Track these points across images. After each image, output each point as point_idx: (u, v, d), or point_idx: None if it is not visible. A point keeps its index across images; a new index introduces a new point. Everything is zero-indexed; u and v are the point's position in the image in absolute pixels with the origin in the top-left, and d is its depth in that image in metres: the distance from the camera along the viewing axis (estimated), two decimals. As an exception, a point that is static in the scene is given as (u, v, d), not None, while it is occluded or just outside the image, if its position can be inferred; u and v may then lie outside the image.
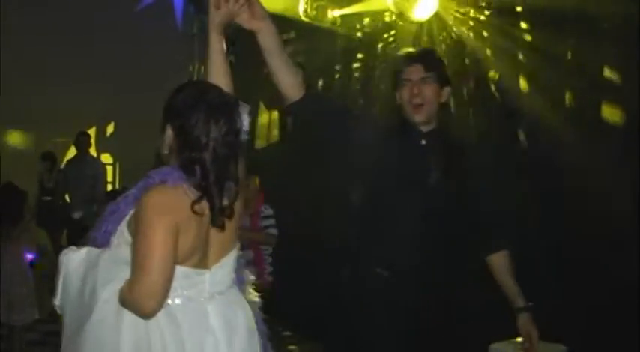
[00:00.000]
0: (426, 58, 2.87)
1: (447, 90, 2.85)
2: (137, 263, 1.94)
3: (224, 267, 2.17)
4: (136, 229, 1.98)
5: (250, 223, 5.47)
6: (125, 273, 1.98)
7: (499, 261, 2.86)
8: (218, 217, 2.06)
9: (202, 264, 2.09)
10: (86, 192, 8.08)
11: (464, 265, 2.87)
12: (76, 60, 9.90)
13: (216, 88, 2.21)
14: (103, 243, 2.09)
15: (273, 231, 5.53)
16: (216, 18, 2.40)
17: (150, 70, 9.76)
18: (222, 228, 2.08)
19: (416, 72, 2.78)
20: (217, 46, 2.41)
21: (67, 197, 8.52)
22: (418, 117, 2.78)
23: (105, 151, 10.52)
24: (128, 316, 1.98)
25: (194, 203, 1.99)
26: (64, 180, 8.41)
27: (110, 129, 11.35)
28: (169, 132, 2.10)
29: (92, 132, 9.47)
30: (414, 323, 2.70)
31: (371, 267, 2.78)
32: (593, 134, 4.29)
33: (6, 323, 5.18)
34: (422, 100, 2.76)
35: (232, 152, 2.11)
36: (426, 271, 2.71)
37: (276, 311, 5.93)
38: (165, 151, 2.12)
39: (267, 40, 2.57)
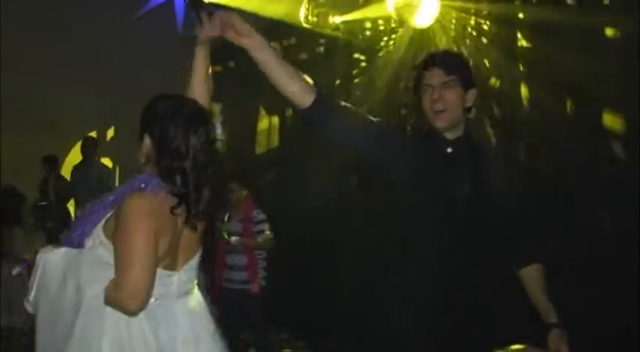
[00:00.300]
0: (447, 60, 2.69)
1: (472, 93, 2.67)
2: (122, 264, 2.04)
3: (190, 269, 2.29)
4: (118, 232, 2.07)
5: (243, 229, 5.48)
6: (109, 273, 2.08)
7: (531, 275, 2.73)
8: (193, 221, 2.18)
9: (172, 265, 2.21)
10: (93, 196, 8.07)
11: (493, 278, 2.71)
12: (77, 63, 9.90)
13: (191, 100, 2.34)
14: (78, 245, 2.17)
15: (268, 235, 5.52)
16: (201, 34, 2.52)
17: (151, 74, 9.75)
18: (194, 230, 2.21)
19: (436, 76, 2.62)
20: (201, 59, 2.54)
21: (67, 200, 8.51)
22: (440, 124, 2.61)
23: (105, 156, 10.52)
24: (111, 313, 2.08)
25: (173, 208, 2.12)
26: (71, 185, 8.39)
27: (110, 133, 11.34)
28: (147, 141, 2.21)
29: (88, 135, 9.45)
30: (441, 335, 2.57)
31: (394, 280, 2.62)
32: (594, 142, 4.30)
33: (6, 325, 5.18)
34: (443, 106, 2.59)
35: (210, 159, 2.23)
36: (453, 283, 2.57)
37: (273, 316, 5.98)
38: (142, 160, 2.23)
39: (259, 54, 2.49)
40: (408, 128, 2.88)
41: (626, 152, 4.17)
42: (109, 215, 2.14)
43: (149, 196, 2.10)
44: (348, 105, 2.65)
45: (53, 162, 8.74)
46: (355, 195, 6.24)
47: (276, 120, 7.79)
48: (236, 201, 5.50)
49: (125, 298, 2.03)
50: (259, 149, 8.04)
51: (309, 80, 2.58)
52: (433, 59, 2.69)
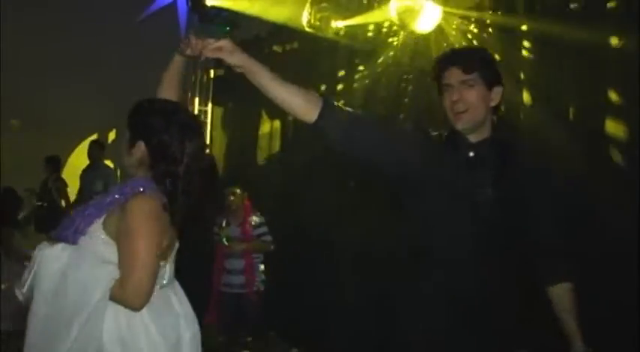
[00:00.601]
0: (465, 58, 2.50)
1: (497, 90, 2.48)
2: (128, 264, 2.17)
3: (172, 260, 2.40)
4: (125, 234, 2.18)
5: (241, 233, 5.49)
6: (112, 272, 2.19)
7: (560, 295, 2.50)
8: (178, 219, 2.31)
9: (164, 256, 2.31)
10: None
11: (513, 286, 2.53)
12: (79, 65, 9.91)
13: (183, 107, 2.48)
14: (73, 242, 2.23)
15: (268, 238, 5.54)
16: (184, 48, 2.50)
17: (152, 77, 9.74)
18: (179, 229, 2.36)
19: (455, 75, 2.45)
20: (176, 67, 2.63)
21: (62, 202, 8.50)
22: (460, 126, 2.45)
23: (107, 158, 10.53)
24: (111, 306, 2.18)
25: (165, 207, 2.26)
26: (79, 189, 8.38)
27: (112, 135, 11.36)
28: (142, 147, 2.31)
29: (93, 138, 9.46)
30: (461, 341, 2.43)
31: (411, 289, 2.51)
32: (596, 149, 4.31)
33: (6, 329, 5.16)
34: (464, 107, 2.43)
35: (201, 165, 2.38)
36: (475, 296, 2.43)
37: (274, 321, 5.97)
38: (135, 164, 2.33)
39: (255, 78, 2.40)
40: (430, 131, 2.63)
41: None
42: (106, 215, 2.23)
43: (151, 199, 2.22)
44: (358, 112, 2.57)
45: (55, 164, 8.73)
46: (357, 199, 6.24)
47: (277, 124, 7.79)
48: (236, 205, 5.51)
49: (130, 296, 2.16)
50: (261, 153, 8.03)
51: (313, 93, 2.48)
52: (450, 57, 2.53)
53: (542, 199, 2.53)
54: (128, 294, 2.15)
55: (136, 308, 2.18)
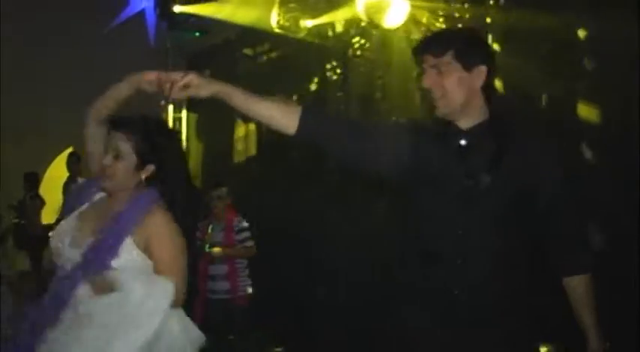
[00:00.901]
0: (435, 41, 2.38)
1: (478, 70, 2.30)
2: (171, 270, 2.38)
3: None
4: (160, 243, 2.39)
5: (224, 238, 5.43)
6: (160, 283, 2.36)
7: (576, 287, 2.35)
8: (185, 228, 2.52)
9: None
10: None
11: (527, 286, 2.37)
12: (55, 77, 9.87)
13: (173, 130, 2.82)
14: (106, 267, 2.33)
15: (250, 244, 5.46)
16: (147, 88, 2.45)
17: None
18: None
19: (427, 61, 2.32)
20: (127, 95, 2.56)
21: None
22: (439, 112, 2.31)
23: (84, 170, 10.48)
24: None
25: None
26: (63, 202, 8.29)
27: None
28: (151, 168, 2.46)
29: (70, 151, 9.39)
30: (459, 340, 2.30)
31: (407, 286, 2.41)
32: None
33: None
34: (439, 92, 2.29)
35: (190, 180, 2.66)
36: (483, 293, 2.29)
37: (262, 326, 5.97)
38: (135, 183, 2.46)
39: (230, 101, 2.30)
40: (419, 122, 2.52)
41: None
42: (137, 228, 2.39)
43: (167, 211, 2.45)
44: (340, 115, 2.52)
45: (33, 180, 8.66)
46: (335, 197, 6.26)
47: (252, 127, 7.78)
48: (219, 209, 5.46)
49: (179, 297, 2.37)
50: (237, 157, 8.02)
51: (291, 103, 2.50)
52: (421, 44, 2.42)
53: (552, 183, 2.35)
54: (177, 295, 2.35)
55: (179, 307, 2.39)
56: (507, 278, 2.31)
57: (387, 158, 2.37)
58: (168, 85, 2.26)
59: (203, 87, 2.27)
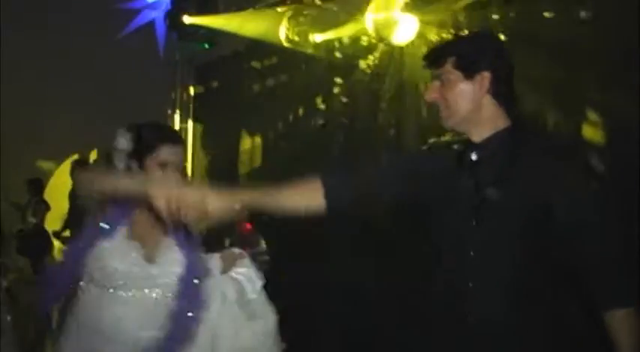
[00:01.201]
0: (434, 52, 2.23)
1: (482, 76, 2.10)
2: None
3: None
4: None
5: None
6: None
7: (617, 324, 1.99)
8: None
9: None
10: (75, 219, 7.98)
11: (546, 323, 2.07)
12: (60, 86, 9.91)
13: None
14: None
15: (265, 258, 5.38)
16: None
17: (132, 96, 9.76)
18: None
19: (432, 74, 2.20)
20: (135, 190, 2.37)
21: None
22: (446, 125, 2.18)
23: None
24: None
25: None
26: (69, 210, 8.30)
27: (93, 155, 11.29)
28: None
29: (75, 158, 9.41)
30: None
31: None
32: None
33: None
34: (443, 104, 2.15)
35: None
36: (486, 321, 2.07)
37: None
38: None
39: (251, 205, 2.24)
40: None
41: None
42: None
43: None
44: (361, 169, 2.34)
45: (37, 186, 8.66)
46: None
47: (258, 139, 7.79)
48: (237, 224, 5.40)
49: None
50: (242, 169, 8.02)
51: (309, 181, 2.27)
52: (424, 57, 2.27)
53: (575, 199, 2.05)
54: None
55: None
56: (527, 309, 2.06)
57: (418, 198, 2.24)
58: (182, 212, 2.05)
59: (217, 210, 2.12)
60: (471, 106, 2.12)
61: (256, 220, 5.61)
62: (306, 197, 2.23)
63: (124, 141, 2.50)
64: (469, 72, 2.11)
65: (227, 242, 5.35)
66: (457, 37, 2.37)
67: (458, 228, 2.12)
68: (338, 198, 2.21)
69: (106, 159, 2.64)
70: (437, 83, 2.17)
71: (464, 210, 2.10)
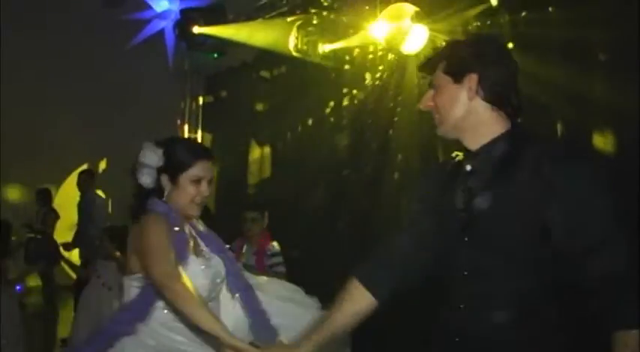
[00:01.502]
0: (427, 59, 2.16)
1: (469, 79, 2.00)
2: None
3: None
4: None
5: (255, 261, 5.23)
6: None
7: (624, 346, 1.78)
8: None
9: None
10: (84, 231, 8.00)
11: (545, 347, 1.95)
12: (70, 95, 9.95)
13: None
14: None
15: (281, 269, 5.23)
16: None
17: (142, 106, 9.80)
18: None
19: (428, 84, 2.14)
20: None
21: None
22: (439, 132, 2.09)
23: (97, 187, 10.51)
24: None
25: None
26: (78, 221, 8.31)
27: (103, 165, 11.32)
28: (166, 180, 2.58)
29: (84, 168, 9.43)
30: None
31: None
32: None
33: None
34: (434, 111, 2.08)
35: None
36: (478, 345, 1.98)
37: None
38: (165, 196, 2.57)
39: (322, 338, 2.20)
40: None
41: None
42: None
43: None
44: (384, 246, 2.25)
45: (45, 196, 8.67)
46: (347, 220, 6.23)
47: (267, 149, 7.78)
48: (253, 232, 5.29)
49: None
50: (251, 179, 8.01)
51: (348, 286, 2.22)
52: (419, 69, 2.24)
53: (576, 210, 1.87)
54: None
55: None
56: (524, 331, 1.94)
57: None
58: None
59: None
60: (462, 111, 2.02)
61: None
62: (354, 302, 2.19)
63: (154, 157, 2.54)
64: (457, 75, 2.02)
65: (244, 248, 5.27)
66: (449, 42, 2.25)
67: (452, 246, 2.03)
68: (380, 285, 2.18)
69: (131, 173, 2.61)
70: (431, 91, 2.10)
71: (455, 224, 2.01)
